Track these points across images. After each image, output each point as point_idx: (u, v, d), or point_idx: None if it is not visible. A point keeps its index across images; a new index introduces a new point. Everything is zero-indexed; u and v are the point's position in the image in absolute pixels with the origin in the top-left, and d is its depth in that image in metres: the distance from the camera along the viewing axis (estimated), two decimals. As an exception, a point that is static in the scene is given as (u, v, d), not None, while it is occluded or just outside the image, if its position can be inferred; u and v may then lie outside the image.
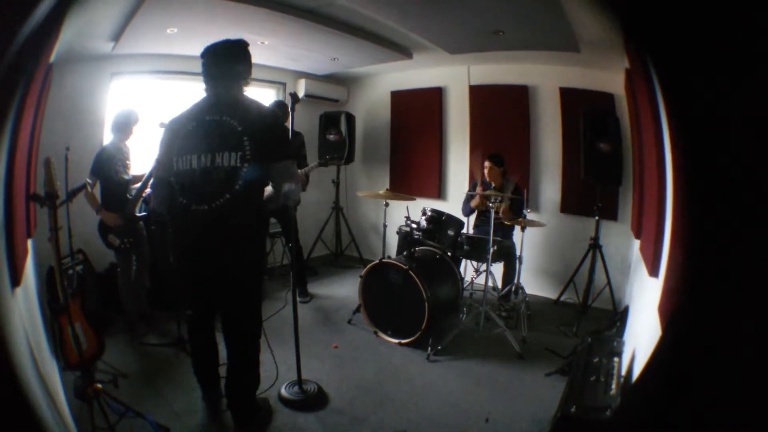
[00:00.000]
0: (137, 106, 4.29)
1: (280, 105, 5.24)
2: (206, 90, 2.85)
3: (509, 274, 5.29)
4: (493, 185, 5.33)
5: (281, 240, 6.34)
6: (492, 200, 4.71)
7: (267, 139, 2.69)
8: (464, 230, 5.23)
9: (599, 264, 5.33)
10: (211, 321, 3.12)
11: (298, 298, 5.47)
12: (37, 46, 1.91)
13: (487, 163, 5.37)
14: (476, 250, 4.92)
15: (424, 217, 4.94)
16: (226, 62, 2.80)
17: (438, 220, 4.90)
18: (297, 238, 5.40)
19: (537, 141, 6.18)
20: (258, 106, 2.84)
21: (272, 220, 5.54)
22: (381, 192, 5.02)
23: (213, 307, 3.06)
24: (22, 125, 2.32)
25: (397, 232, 5.46)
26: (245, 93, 2.90)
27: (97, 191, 4.10)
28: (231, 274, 2.78)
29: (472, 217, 5.72)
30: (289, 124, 3.49)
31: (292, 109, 3.24)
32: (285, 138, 2.85)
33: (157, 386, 3.47)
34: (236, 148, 2.62)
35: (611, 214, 5.53)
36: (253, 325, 3.02)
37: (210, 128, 2.69)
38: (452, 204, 6.11)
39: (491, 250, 4.59)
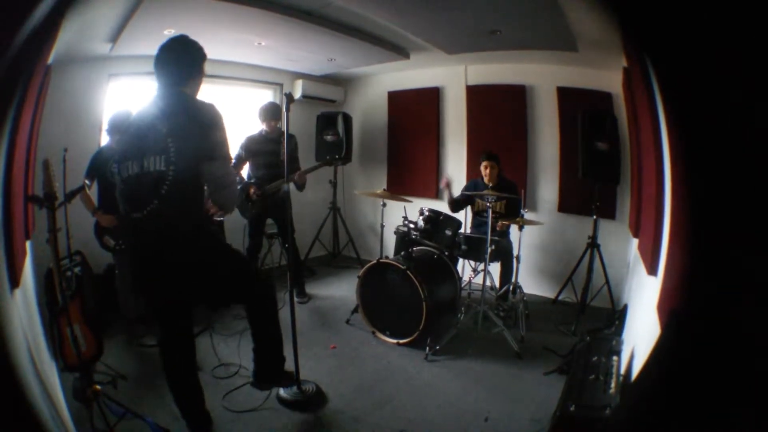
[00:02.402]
0: (133, 107, 4.28)
1: (273, 106, 5.24)
2: None
3: (507, 274, 5.29)
4: (491, 185, 5.32)
5: (278, 240, 6.34)
6: (489, 200, 4.71)
7: (193, 138, 2.55)
8: (462, 230, 5.23)
9: (597, 263, 5.33)
10: (186, 347, 2.96)
11: (295, 299, 5.49)
12: (36, 47, 1.91)
13: (485, 162, 5.35)
14: (474, 249, 4.92)
15: (421, 217, 4.94)
16: (167, 63, 2.67)
17: (435, 220, 4.90)
18: (293, 238, 5.40)
19: (534, 140, 6.19)
20: (188, 106, 2.66)
21: (269, 221, 5.54)
22: (378, 192, 5.02)
23: (182, 328, 2.93)
24: (21, 126, 2.32)
25: (395, 232, 5.46)
26: (190, 91, 2.74)
27: (94, 193, 4.10)
28: (190, 275, 2.70)
29: (471, 217, 5.73)
30: (283, 125, 3.46)
31: (287, 110, 3.22)
32: (216, 136, 2.63)
33: (156, 388, 3.45)
34: (161, 152, 2.51)
35: (609, 213, 5.55)
36: (257, 287, 3.03)
37: (141, 133, 2.59)
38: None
39: (489, 250, 4.59)
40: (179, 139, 2.52)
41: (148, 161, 2.53)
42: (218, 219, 2.99)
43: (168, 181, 2.51)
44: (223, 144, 2.67)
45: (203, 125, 2.59)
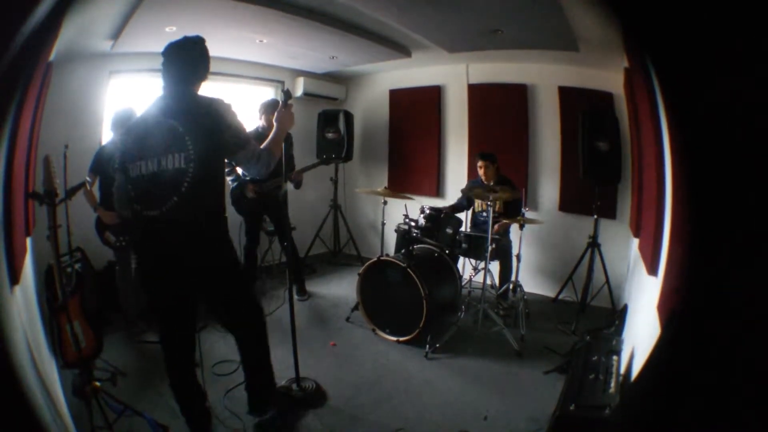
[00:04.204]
0: (136, 105, 4.27)
1: (271, 101, 5.22)
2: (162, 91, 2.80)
3: (507, 272, 5.29)
4: (491, 184, 5.31)
5: (277, 238, 6.36)
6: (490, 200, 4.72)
7: (210, 135, 2.60)
8: (462, 228, 5.23)
9: (598, 262, 5.33)
10: (187, 347, 2.96)
11: (296, 296, 5.50)
12: (37, 46, 1.91)
13: (481, 163, 5.35)
14: (474, 248, 4.92)
15: (422, 215, 4.94)
16: (176, 62, 2.69)
17: (436, 218, 4.90)
18: (291, 236, 5.40)
19: (535, 140, 6.18)
20: (199, 104, 2.70)
21: (267, 218, 5.53)
22: (379, 190, 5.02)
23: (185, 326, 2.93)
24: (22, 123, 2.32)
25: (396, 230, 5.46)
26: (196, 91, 2.78)
27: (96, 189, 4.11)
28: (198, 275, 2.71)
29: (471, 216, 5.73)
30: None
31: (285, 106, 3.18)
32: (231, 129, 2.70)
33: (156, 384, 3.46)
34: (179, 150, 2.54)
35: (610, 212, 5.54)
36: (250, 313, 3.02)
37: (155, 132, 2.61)
38: (451, 202, 6.11)
39: (489, 249, 4.59)
40: (197, 137, 2.55)
41: (166, 159, 2.55)
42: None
43: (189, 178, 2.53)
44: (239, 133, 2.74)
45: (216, 122, 2.64)
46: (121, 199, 2.79)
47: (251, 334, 3.03)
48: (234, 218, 5.18)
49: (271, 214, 5.47)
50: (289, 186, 5.06)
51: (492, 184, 5.24)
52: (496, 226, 5.08)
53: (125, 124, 4.08)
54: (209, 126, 2.60)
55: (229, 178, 5.09)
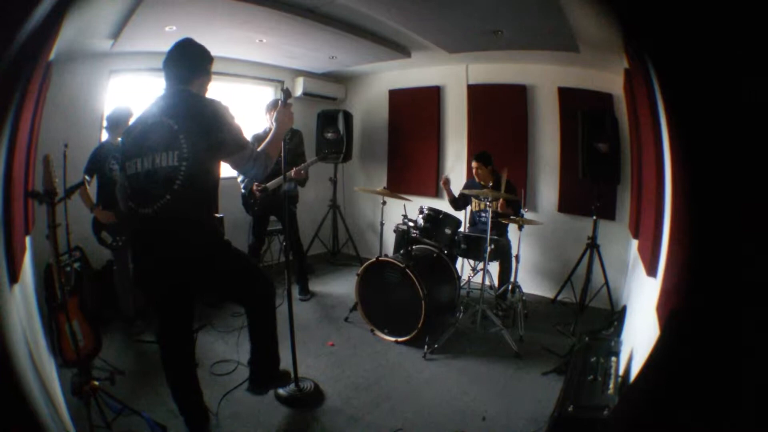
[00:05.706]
0: (134, 104, 4.27)
1: (274, 101, 5.22)
2: None
3: (505, 273, 5.29)
4: (490, 185, 5.30)
5: (278, 238, 6.34)
6: (488, 200, 4.72)
7: (204, 134, 2.60)
8: (461, 229, 5.23)
9: (597, 263, 5.33)
10: (184, 345, 2.99)
11: (299, 296, 5.50)
12: (37, 45, 1.91)
13: (474, 163, 5.35)
14: (473, 248, 4.91)
15: (421, 216, 4.94)
16: (171, 64, 2.75)
17: (435, 218, 4.90)
18: (297, 235, 5.43)
19: (535, 140, 6.18)
20: (195, 105, 2.71)
21: (272, 217, 5.53)
22: (378, 189, 5.02)
23: (182, 324, 2.95)
24: (22, 122, 2.32)
25: (395, 231, 5.46)
26: (196, 91, 2.80)
27: (93, 189, 4.11)
28: (194, 271, 2.73)
29: (469, 216, 5.72)
30: None
31: (284, 105, 3.18)
32: (226, 130, 2.69)
33: (154, 384, 3.46)
34: (173, 148, 2.55)
35: (609, 213, 5.54)
36: (259, 283, 3.04)
37: (151, 131, 2.63)
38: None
39: (488, 249, 4.58)
40: (191, 136, 2.56)
41: (160, 157, 2.57)
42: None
43: (181, 176, 2.55)
44: (236, 135, 2.74)
45: (211, 122, 2.64)
46: (124, 198, 2.81)
47: (261, 303, 3.06)
48: (242, 218, 5.23)
49: (277, 214, 5.48)
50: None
51: (490, 185, 5.24)
52: (500, 202, 5.05)
53: (121, 125, 4.10)
54: (205, 126, 2.60)
55: (239, 178, 5.13)
